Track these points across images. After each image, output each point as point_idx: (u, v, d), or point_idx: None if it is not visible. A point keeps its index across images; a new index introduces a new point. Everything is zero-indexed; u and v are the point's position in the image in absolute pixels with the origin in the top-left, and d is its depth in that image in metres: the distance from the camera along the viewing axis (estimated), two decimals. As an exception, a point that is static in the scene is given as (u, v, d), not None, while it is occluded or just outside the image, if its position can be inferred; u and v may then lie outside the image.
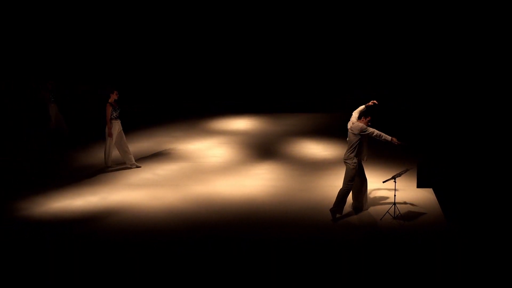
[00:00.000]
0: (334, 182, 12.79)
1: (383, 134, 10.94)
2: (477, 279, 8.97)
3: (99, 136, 16.36)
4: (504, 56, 11.87)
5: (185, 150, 15.90)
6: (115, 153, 14.35)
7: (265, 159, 14.95)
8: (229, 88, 20.78)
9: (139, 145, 16.42)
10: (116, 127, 13.93)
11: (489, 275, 9.04)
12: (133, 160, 14.30)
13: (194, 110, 20.31)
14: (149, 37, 20.48)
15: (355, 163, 11.04)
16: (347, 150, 11.14)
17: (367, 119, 11.06)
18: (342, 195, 11.12)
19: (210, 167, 14.38)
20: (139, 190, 12.88)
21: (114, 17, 19.65)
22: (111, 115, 13.79)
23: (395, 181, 11.16)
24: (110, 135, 13.88)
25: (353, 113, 11.27)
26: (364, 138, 11.06)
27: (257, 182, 13.31)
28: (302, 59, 20.50)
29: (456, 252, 9.76)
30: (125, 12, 19.82)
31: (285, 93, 20.46)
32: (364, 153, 11.21)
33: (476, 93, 12.13)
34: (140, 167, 14.27)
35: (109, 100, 13.82)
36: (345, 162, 11.16)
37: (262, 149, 15.86)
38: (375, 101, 11.37)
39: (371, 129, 10.97)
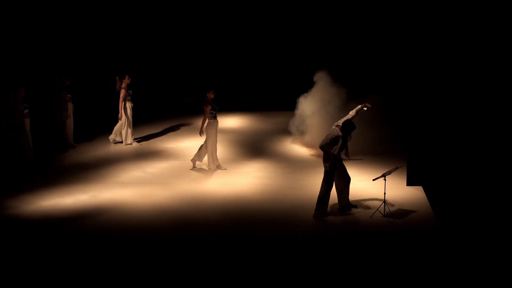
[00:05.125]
0: (324, 180, 12.80)
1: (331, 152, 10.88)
2: (467, 276, 9.00)
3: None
4: (495, 55, 11.93)
5: (175, 148, 15.89)
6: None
7: (255, 157, 14.96)
8: (221, 86, 20.75)
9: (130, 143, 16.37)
10: (216, 126, 13.75)
11: (479, 273, 9.08)
12: (218, 162, 14.07)
13: (184, 108, 20.31)
14: (144, 36, 20.48)
15: (331, 165, 11.00)
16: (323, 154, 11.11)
17: (343, 130, 10.90)
18: (320, 198, 11.09)
19: (200, 165, 14.36)
20: (129, 188, 12.85)
21: (115, 15, 19.68)
22: (210, 114, 13.64)
23: (385, 179, 11.19)
24: (201, 133, 13.76)
25: (350, 112, 11.27)
26: (344, 138, 10.99)
27: (247, 180, 13.31)
28: (291, 59, 20.51)
29: (446, 249, 9.81)
30: (123, 11, 19.85)
31: (275, 91, 20.47)
32: (344, 151, 11.15)
33: (466, 91, 12.18)
34: (226, 169, 14.01)
35: (207, 99, 13.62)
36: (323, 164, 11.15)
37: (252, 147, 15.88)
38: (368, 104, 11.37)
39: (330, 138, 10.81)
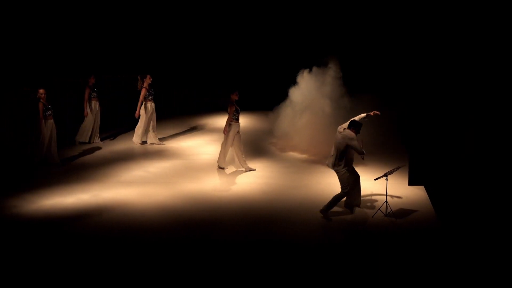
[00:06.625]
0: (326, 180, 12.81)
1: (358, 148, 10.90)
2: (468, 276, 9.00)
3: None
4: (495, 55, 11.91)
5: (177, 148, 15.89)
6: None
7: (257, 157, 14.94)
8: (221, 85, 20.75)
9: (130, 142, 16.38)
10: (236, 129, 13.65)
11: (480, 273, 9.08)
12: (247, 163, 13.92)
13: (186, 107, 20.32)
14: (143, 35, 20.49)
15: (346, 170, 11.01)
16: (335, 157, 11.04)
17: (355, 130, 10.95)
18: (336, 199, 11.11)
19: (202, 165, 14.37)
20: (131, 187, 12.85)
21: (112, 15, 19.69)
22: (233, 115, 13.57)
23: (386, 179, 11.18)
24: (225, 132, 13.62)
25: (351, 119, 11.22)
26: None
27: (249, 180, 13.31)
28: (294, 58, 20.50)
29: (447, 249, 9.80)
30: (124, 11, 19.87)
31: (277, 91, 20.45)
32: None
33: (467, 91, 12.16)
34: (255, 169, 13.93)
35: (231, 100, 13.52)
36: (335, 170, 11.12)
37: (254, 147, 15.86)
38: (377, 112, 11.39)
39: (355, 142, 10.82)
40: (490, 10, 11.81)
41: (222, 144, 13.86)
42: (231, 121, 13.58)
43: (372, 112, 11.44)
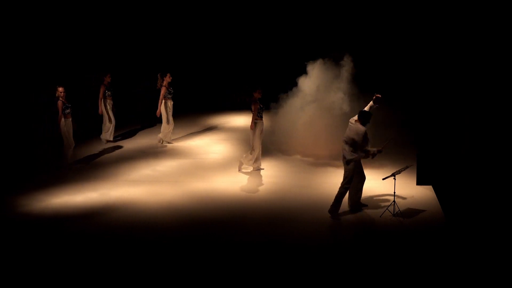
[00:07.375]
0: (334, 179, 12.80)
1: (368, 148, 10.90)
2: (476, 277, 8.99)
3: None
4: (502, 53, 11.89)
5: (185, 147, 15.91)
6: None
7: (264, 156, 14.92)
8: (229, 84, 20.78)
9: (139, 141, 16.43)
10: (261, 127, 13.60)
11: (488, 273, 9.06)
12: (260, 164, 13.92)
13: (193, 106, 20.33)
14: (148, 34, 20.52)
15: (353, 162, 11.01)
16: (346, 149, 11.09)
17: (361, 121, 10.94)
18: (338, 195, 11.10)
19: (210, 164, 14.39)
20: (139, 186, 12.89)
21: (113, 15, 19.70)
22: (258, 113, 13.56)
23: (394, 178, 11.18)
24: (252, 128, 13.55)
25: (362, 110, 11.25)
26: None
27: (256, 179, 13.32)
28: (300, 57, 20.50)
29: (455, 249, 9.79)
30: (122, 12, 19.91)
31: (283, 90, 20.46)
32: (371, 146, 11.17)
33: (474, 91, 12.14)
34: (263, 169, 13.94)
35: (254, 98, 13.51)
36: (347, 161, 11.12)
37: (261, 146, 15.83)
38: (378, 95, 11.37)
39: (360, 138, 10.80)
40: (489, 15, 11.79)
41: (254, 145, 13.62)
42: (256, 119, 13.61)
43: (374, 97, 11.39)
